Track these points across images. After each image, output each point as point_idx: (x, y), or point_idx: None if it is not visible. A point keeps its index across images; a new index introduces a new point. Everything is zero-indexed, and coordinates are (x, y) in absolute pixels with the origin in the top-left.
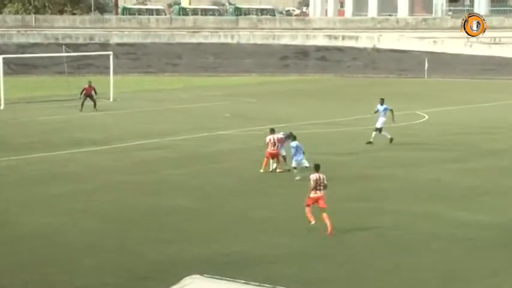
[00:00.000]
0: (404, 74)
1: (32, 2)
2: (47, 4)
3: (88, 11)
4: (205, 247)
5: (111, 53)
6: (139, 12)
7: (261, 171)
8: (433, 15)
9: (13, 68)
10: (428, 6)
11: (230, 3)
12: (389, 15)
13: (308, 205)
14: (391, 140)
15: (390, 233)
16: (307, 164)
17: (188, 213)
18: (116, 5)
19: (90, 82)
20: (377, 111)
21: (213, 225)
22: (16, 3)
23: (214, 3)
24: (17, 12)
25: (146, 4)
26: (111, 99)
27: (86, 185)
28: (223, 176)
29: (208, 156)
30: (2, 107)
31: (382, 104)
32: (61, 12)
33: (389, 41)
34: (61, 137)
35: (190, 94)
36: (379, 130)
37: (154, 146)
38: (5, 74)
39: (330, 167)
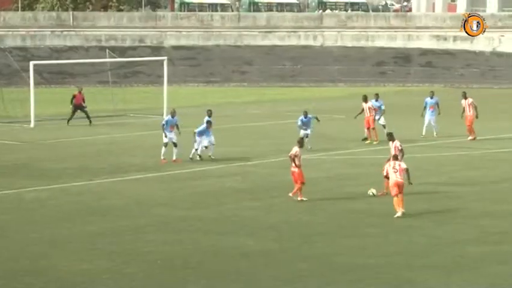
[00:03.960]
0: None
1: None
2: None
3: (138, 6)
4: None
5: (165, 58)
6: (201, 7)
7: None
8: None
9: (46, 77)
10: None
11: None
12: None
13: None
14: None
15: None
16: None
17: (258, 257)
18: None
19: (80, 88)
20: None
21: (287, 272)
22: None
23: None
24: (51, 9)
25: None
26: (164, 116)
27: (133, 222)
28: (303, 211)
29: (285, 186)
30: (32, 125)
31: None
32: (105, 8)
33: None
34: (103, 161)
35: (262, 109)
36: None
37: (218, 173)
38: (36, 84)
39: (442, 199)
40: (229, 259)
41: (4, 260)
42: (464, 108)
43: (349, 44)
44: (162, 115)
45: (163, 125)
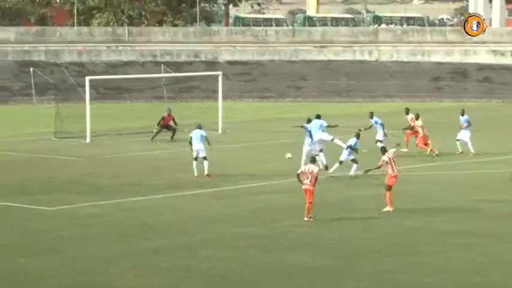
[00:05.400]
0: None
1: (125, 11)
2: (143, 14)
3: (192, 21)
4: None
5: (220, 73)
6: (255, 22)
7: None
8: None
9: (101, 92)
10: None
11: (368, 11)
12: None
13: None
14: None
15: None
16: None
17: (315, 274)
18: (227, 14)
19: (169, 110)
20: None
21: None
22: (106, 13)
23: (348, 11)
24: (107, 24)
25: (264, 13)
26: (219, 131)
27: (189, 238)
28: (359, 228)
29: (342, 203)
30: (87, 140)
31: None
32: (160, 23)
33: None
34: (158, 177)
35: None
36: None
37: (274, 189)
38: (92, 99)
39: (501, 217)
40: (285, 276)
41: (59, 276)
42: (414, 126)
43: (405, 59)
44: (217, 130)
45: (192, 138)
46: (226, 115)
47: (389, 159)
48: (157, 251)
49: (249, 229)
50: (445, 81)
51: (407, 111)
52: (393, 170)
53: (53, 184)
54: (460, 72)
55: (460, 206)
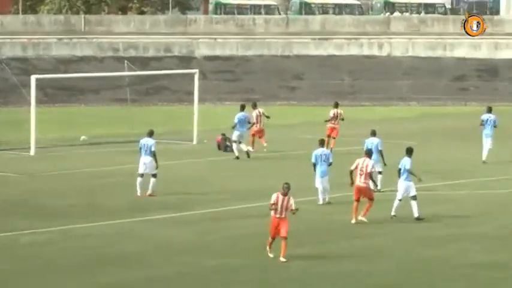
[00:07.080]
0: None
1: None
2: None
3: (163, 8)
4: None
5: (196, 71)
6: (240, 10)
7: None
8: None
9: (50, 93)
10: None
11: None
12: None
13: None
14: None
15: None
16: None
17: None
18: None
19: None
20: None
21: None
22: None
23: None
24: (59, 11)
25: None
26: (194, 142)
27: (152, 273)
28: (365, 259)
29: (341, 228)
30: (32, 153)
31: None
32: (123, 10)
33: None
34: (117, 198)
35: (315, 133)
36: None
37: (260, 212)
38: (38, 102)
39: None
40: None
41: None
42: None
43: (423, 54)
44: (192, 141)
45: (140, 148)
46: (202, 122)
47: (357, 165)
48: None
49: (227, 261)
50: (471, 80)
51: (254, 106)
52: (360, 179)
53: None
54: (488, 70)
55: (486, 231)
